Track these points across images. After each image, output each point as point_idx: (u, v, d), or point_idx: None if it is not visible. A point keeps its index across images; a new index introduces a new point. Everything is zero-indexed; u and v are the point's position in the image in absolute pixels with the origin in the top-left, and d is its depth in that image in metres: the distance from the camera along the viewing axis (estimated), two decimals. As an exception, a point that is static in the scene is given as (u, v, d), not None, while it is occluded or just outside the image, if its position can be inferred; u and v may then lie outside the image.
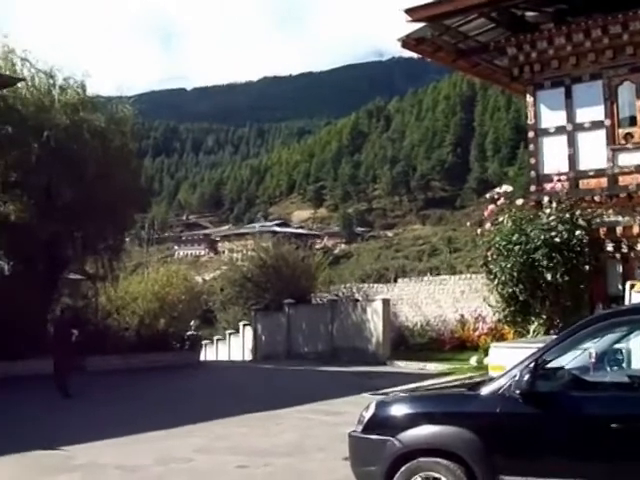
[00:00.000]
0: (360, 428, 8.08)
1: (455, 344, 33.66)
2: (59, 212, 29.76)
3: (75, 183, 29.73)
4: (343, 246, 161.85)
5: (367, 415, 8.07)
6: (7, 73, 29.59)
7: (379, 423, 7.94)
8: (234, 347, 43.39)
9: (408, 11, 22.47)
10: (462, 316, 35.58)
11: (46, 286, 29.74)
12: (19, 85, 29.52)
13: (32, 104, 30.34)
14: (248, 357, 40.82)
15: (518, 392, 7.17)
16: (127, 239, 38.72)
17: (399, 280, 46.12)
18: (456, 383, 10.54)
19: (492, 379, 7.88)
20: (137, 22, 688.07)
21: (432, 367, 28.78)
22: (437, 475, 7.42)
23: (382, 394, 17.57)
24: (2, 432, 14.90)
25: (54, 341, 22.45)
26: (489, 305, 23.33)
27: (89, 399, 20.84)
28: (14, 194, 30.38)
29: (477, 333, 32.52)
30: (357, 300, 37.48)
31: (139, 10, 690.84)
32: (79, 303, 35.18)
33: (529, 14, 23.13)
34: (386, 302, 34.90)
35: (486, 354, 25.75)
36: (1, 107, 29.49)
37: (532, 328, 20.46)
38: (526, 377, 7.12)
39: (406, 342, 36.38)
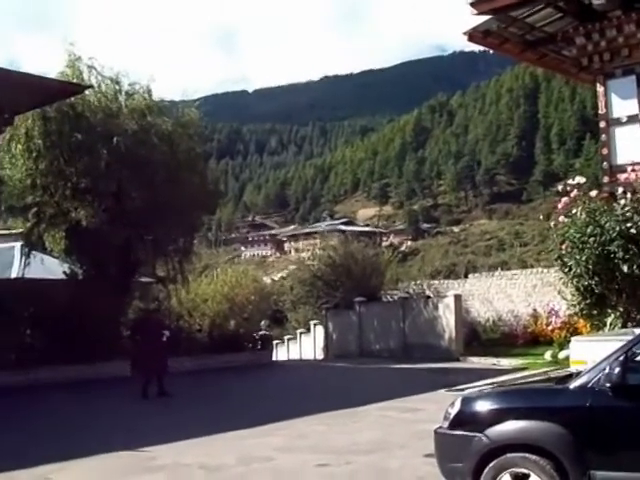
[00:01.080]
0: (446, 424, 8.02)
1: (528, 339, 33.33)
2: (129, 216, 30.10)
3: (144, 187, 30.02)
4: (409, 243, 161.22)
5: (453, 411, 8.00)
6: (74, 81, 29.98)
7: (465, 419, 7.86)
8: (305, 346, 43.45)
9: (473, 4, 22.22)
10: (535, 310, 35.20)
11: (118, 290, 30.03)
12: (86, 92, 29.84)
13: (100, 111, 30.68)
14: (320, 356, 40.85)
15: (608, 385, 7.06)
16: (196, 241, 38.92)
17: (470, 275, 45.86)
18: (537, 378, 10.35)
19: (579, 373, 7.75)
20: (197, 25, 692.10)
21: (506, 362, 28.49)
22: (526, 471, 7.34)
23: (459, 390, 17.49)
24: (84, 434, 15.11)
25: (141, 342, 22.62)
26: (564, 299, 22.96)
27: (167, 400, 21.01)
28: (85, 200, 30.82)
29: (550, 327, 32.12)
30: (428, 297, 37.34)
31: (199, 13, 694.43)
32: (151, 306, 35.50)
33: (596, 2, 22.66)
34: (458, 298, 34.67)
35: (561, 348, 25.50)
36: (70, 115, 29.89)
37: (609, 321, 20.06)
38: (616, 370, 7.00)
39: (478, 338, 36.11)
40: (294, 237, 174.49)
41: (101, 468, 12.15)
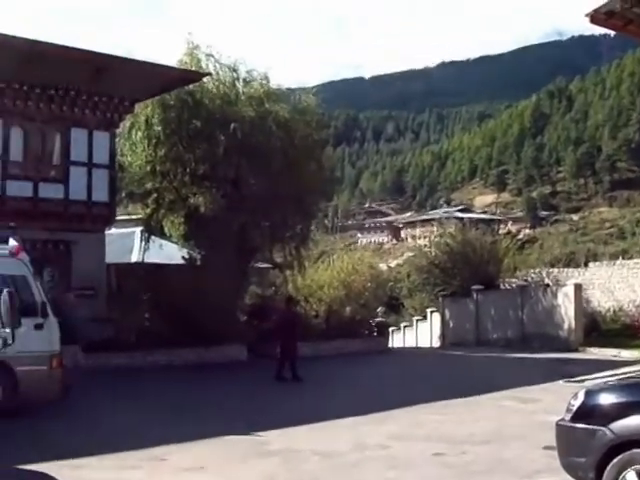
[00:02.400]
0: (568, 417, 7.78)
1: (650, 330, 32.39)
2: (246, 202, 30.35)
3: (261, 174, 30.24)
4: (527, 231, 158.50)
5: (576, 404, 7.74)
6: (193, 69, 30.39)
7: (588, 412, 7.61)
8: (421, 334, 43.20)
9: (596, -15, 21.55)
10: (659, 301, 34.22)
11: (236, 275, 30.27)
12: (205, 80, 30.26)
13: (218, 98, 31.03)
14: (436, 344, 40.56)
15: None
16: (313, 227, 39.06)
17: (590, 264, 44.82)
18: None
19: None
20: (313, 11, 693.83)
21: (627, 354, 27.80)
22: (653, 469, 7.04)
23: (579, 382, 17.07)
24: (200, 416, 15.26)
25: (280, 328, 22.99)
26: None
27: (282, 385, 21.14)
28: (203, 186, 31.23)
29: (675, 318, 31.18)
30: (547, 285, 36.65)
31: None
32: (267, 291, 35.75)
33: None
34: (578, 287, 33.97)
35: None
36: (189, 102, 30.32)
37: None
38: None
39: (598, 328, 35.27)
40: (411, 224, 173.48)
41: (215, 451, 12.23)
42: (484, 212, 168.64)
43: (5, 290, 6.13)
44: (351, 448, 12.29)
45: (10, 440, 12.21)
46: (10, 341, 5.83)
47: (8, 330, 5.96)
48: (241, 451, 12.25)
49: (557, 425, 7.97)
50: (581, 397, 7.75)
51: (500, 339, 35.81)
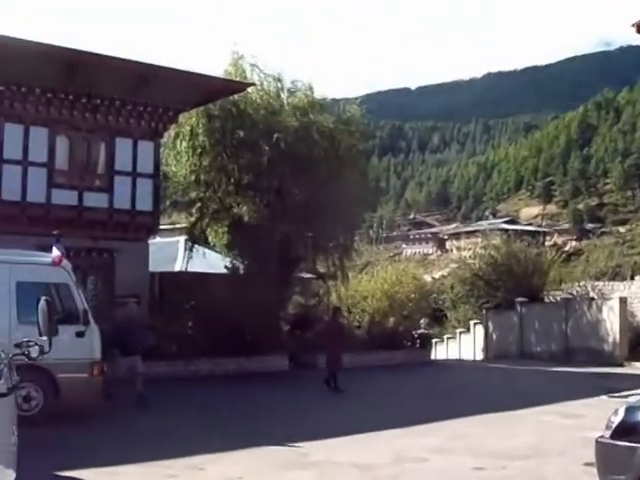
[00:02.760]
0: (608, 434, 7.65)
1: (698, 346, 31.92)
2: (290, 212, 30.37)
3: (305, 184, 30.22)
4: (574, 243, 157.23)
5: (616, 420, 7.62)
6: (237, 79, 30.51)
7: (629, 429, 7.47)
8: (464, 346, 42.94)
9: (644, -6, 21.34)
10: None
11: (279, 285, 30.31)
12: (249, 90, 30.32)
13: (262, 108, 31.09)
14: (479, 356, 40.30)
15: None
16: (356, 238, 38.96)
17: (636, 277, 44.25)
18: None
19: None
20: (357, 24, 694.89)
21: (673, 370, 27.42)
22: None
23: (622, 397, 16.82)
24: (241, 426, 15.27)
25: (327, 338, 23.07)
26: None
27: (323, 396, 21.09)
28: (247, 196, 31.30)
29: None
30: (592, 298, 36.28)
31: (360, 9, 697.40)
32: (311, 301, 35.74)
33: None
34: (623, 300, 33.63)
35: None
36: (233, 112, 30.41)
37: None
38: None
39: (643, 343, 34.79)
40: (456, 235, 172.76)
41: (253, 461, 12.22)
42: (530, 224, 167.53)
43: (42, 299, 6.14)
44: (390, 461, 12.22)
45: (49, 446, 12.27)
46: (47, 349, 5.83)
47: (45, 338, 5.96)
48: (279, 462, 12.22)
49: (597, 442, 7.85)
50: (621, 414, 7.62)
51: (544, 352, 35.51)
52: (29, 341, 5.77)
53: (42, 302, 6.13)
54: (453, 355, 43.10)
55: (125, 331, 18.13)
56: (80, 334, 15.30)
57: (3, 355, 5.14)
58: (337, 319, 24.51)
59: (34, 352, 5.73)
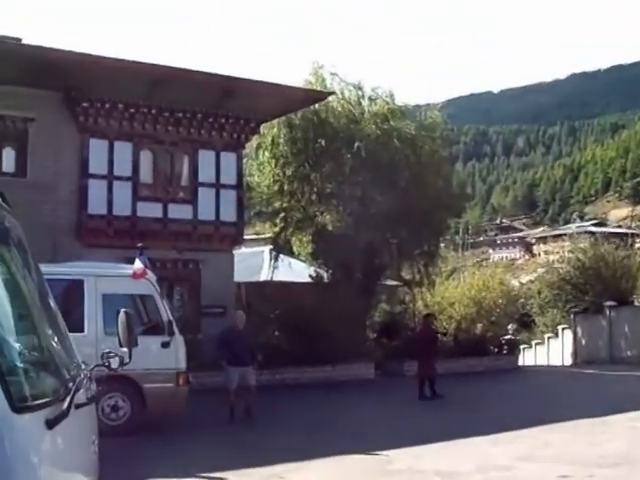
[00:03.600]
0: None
1: None
2: (373, 220, 30.40)
3: (388, 191, 30.24)
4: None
5: None
6: (318, 88, 30.64)
7: None
8: (553, 351, 42.28)
9: None
10: None
11: (364, 292, 30.35)
12: (330, 99, 30.44)
13: (343, 116, 31.21)
14: (568, 362, 39.66)
15: None
16: (442, 244, 38.74)
17: None
18: None
19: None
20: (438, 30, 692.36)
21: None
22: None
23: None
24: (325, 434, 15.28)
25: (420, 345, 22.98)
26: None
27: (409, 404, 20.96)
28: (330, 204, 31.46)
29: None
30: (684, 302, 35.51)
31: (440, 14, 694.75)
32: (396, 309, 35.65)
33: None
34: None
35: None
36: (314, 121, 30.56)
37: None
38: None
39: None
40: (543, 239, 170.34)
41: (336, 470, 12.24)
42: (619, 226, 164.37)
43: (122, 310, 6.23)
44: (475, 469, 12.07)
45: (134, 456, 12.45)
46: (127, 360, 5.91)
47: (125, 349, 6.05)
48: (362, 470, 12.22)
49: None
50: None
51: (634, 357, 34.78)
52: (110, 352, 5.84)
53: (121, 314, 6.21)
54: (541, 361, 42.50)
55: (234, 341, 17.63)
56: (165, 345, 15.52)
57: (84, 366, 5.21)
58: (430, 325, 24.30)
59: (114, 363, 5.80)
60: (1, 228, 4.69)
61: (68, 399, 4.21)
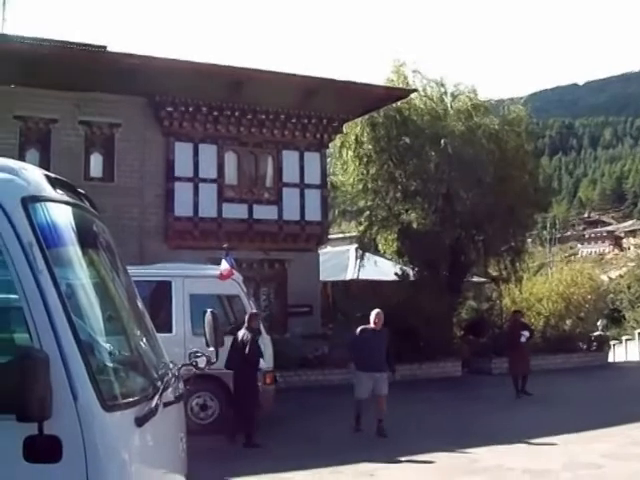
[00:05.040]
0: None
1: None
2: (459, 217, 30.34)
3: (473, 187, 30.07)
4: None
5: None
6: (400, 86, 30.58)
7: None
8: (645, 347, 41.48)
9: None
10: None
11: (450, 290, 30.19)
12: (412, 96, 30.33)
13: (426, 113, 31.07)
14: (660, 358, 38.85)
15: None
16: (529, 240, 38.34)
17: None
18: None
19: None
20: (518, 24, 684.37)
21: None
22: None
23: None
24: (412, 432, 15.26)
25: (509, 342, 22.69)
26: None
27: (496, 401, 20.78)
28: (415, 202, 31.34)
29: None
30: None
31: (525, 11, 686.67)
32: (483, 306, 35.38)
33: None
34: None
35: None
36: (397, 119, 30.49)
37: None
38: None
39: None
40: (632, 232, 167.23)
41: (423, 468, 12.24)
42: None
43: (208, 310, 6.34)
44: (563, 467, 11.97)
45: (223, 452, 12.63)
46: (214, 360, 6.01)
47: (212, 349, 6.15)
48: (450, 468, 12.20)
49: None
50: None
51: None
52: (197, 352, 5.96)
53: (208, 314, 6.32)
54: (633, 357, 41.73)
55: (368, 343, 15.78)
56: (253, 344, 15.67)
57: (172, 365, 5.33)
58: (520, 321, 23.75)
59: (202, 363, 5.91)
60: (90, 233, 4.82)
61: (157, 397, 4.31)
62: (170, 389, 4.81)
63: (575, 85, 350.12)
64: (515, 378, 21.66)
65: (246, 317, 15.27)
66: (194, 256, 21.88)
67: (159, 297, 15.68)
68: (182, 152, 25.56)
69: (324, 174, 28.49)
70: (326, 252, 32.27)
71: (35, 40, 23.63)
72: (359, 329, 16.38)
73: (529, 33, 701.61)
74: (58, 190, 4.33)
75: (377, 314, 16.30)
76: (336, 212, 33.12)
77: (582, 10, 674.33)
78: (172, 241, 24.84)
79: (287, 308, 26.49)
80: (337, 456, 12.82)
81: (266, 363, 15.64)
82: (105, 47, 25.42)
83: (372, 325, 16.20)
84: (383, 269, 32.54)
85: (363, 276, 31.98)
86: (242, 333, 15.03)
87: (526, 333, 22.14)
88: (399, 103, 30.03)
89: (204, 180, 25.76)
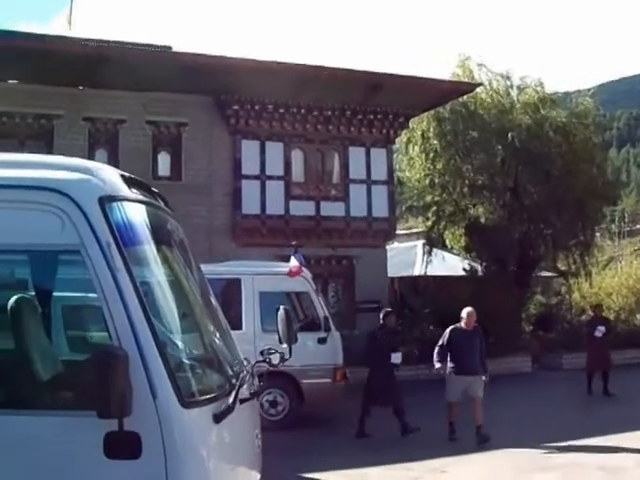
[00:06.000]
0: None
1: None
2: (527, 211, 30.15)
3: (541, 181, 29.87)
4: None
5: None
6: (465, 80, 30.39)
7: None
8: None
9: None
10: None
11: (518, 285, 29.93)
12: (478, 90, 30.10)
13: (492, 107, 30.82)
14: None
15: None
16: (597, 234, 37.85)
17: None
18: None
19: None
20: (584, 14, 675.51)
21: None
22: None
23: None
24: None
25: (588, 337, 22.29)
26: None
27: (567, 398, 20.53)
28: (482, 197, 31.16)
29: None
30: None
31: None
32: (552, 300, 35.03)
33: None
34: None
35: None
36: (463, 114, 30.29)
37: None
38: None
39: None
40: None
41: (495, 464, 12.21)
42: None
43: (281, 307, 6.38)
44: (636, 464, 11.79)
45: (294, 448, 12.69)
46: (287, 356, 6.05)
47: (285, 346, 6.19)
48: (521, 464, 12.11)
49: None
50: None
51: None
52: (270, 349, 5.99)
53: (281, 311, 6.36)
54: None
55: (460, 343, 14.83)
56: (322, 340, 15.75)
57: (246, 362, 5.37)
58: (600, 315, 23.23)
59: (275, 359, 5.95)
60: (165, 231, 4.87)
61: (233, 394, 4.35)
62: (245, 386, 4.85)
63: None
64: (590, 375, 21.21)
65: (381, 314, 15.83)
66: (262, 253, 22.00)
67: (229, 295, 15.80)
68: (249, 150, 25.68)
69: (391, 170, 28.42)
70: (393, 248, 32.21)
71: (101, 42, 23.96)
72: (449, 329, 15.34)
73: (594, 23, 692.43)
74: (133, 189, 4.39)
75: (468, 314, 15.15)
76: (403, 208, 33.05)
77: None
78: (240, 239, 24.97)
79: (355, 304, 26.47)
80: (409, 452, 12.81)
81: (336, 360, 15.72)
82: (170, 47, 25.69)
83: (463, 325, 15.14)
84: (450, 264, 32.42)
85: (430, 272, 31.86)
86: (379, 330, 15.61)
87: (602, 328, 21.40)
88: (465, 97, 29.82)
89: (271, 178, 25.87)
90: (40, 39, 23.42)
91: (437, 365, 14.93)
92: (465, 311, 15.25)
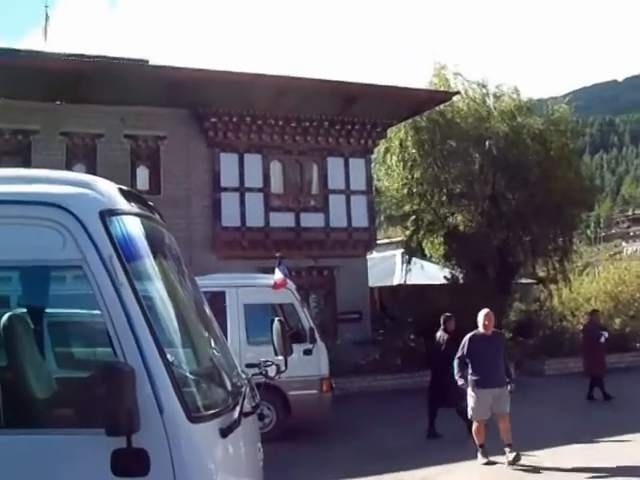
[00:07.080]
0: None
1: None
2: (506, 218, 30.24)
3: (519, 188, 30.01)
4: None
5: None
6: (442, 89, 30.50)
7: None
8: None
9: None
10: None
11: (499, 292, 29.96)
12: (455, 99, 30.21)
13: (469, 115, 30.92)
14: None
15: None
16: (575, 239, 37.98)
17: None
18: None
19: None
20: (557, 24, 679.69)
21: None
22: None
23: None
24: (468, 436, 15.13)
25: (585, 343, 22.32)
26: None
27: (551, 404, 20.55)
28: (461, 205, 31.23)
29: None
30: None
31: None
32: (532, 307, 35.11)
33: None
34: None
35: None
36: (440, 122, 30.36)
37: None
38: None
39: None
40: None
41: (484, 471, 12.25)
42: None
43: (276, 319, 6.36)
44: (628, 468, 11.81)
45: (285, 461, 12.62)
46: (283, 368, 6.03)
47: (281, 357, 6.16)
48: (511, 471, 12.16)
49: None
50: None
51: None
52: (266, 361, 5.96)
53: (276, 323, 6.34)
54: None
55: (482, 352, 13.43)
56: (308, 352, 15.70)
57: (244, 375, 5.33)
58: (595, 322, 23.25)
59: (271, 371, 5.92)
60: (163, 244, 4.83)
61: (238, 408, 4.31)
62: (247, 399, 4.81)
63: (615, 81, 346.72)
64: (593, 379, 21.18)
65: (442, 319, 16.51)
66: (243, 266, 22.00)
67: (213, 307, 15.52)
68: (227, 162, 25.65)
69: (369, 180, 28.49)
70: (372, 257, 32.19)
71: (78, 56, 23.88)
72: (467, 337, 13.80)
73: (567, 31, 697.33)
74: (131, 203, 4.34)
75: (486, 315, 13.73)
76: (382, 217, 33.09)
77: (619, 6, 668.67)
78: (220, 251, 24.91)
79: (337, 315, 26.49)
80: (398, 462, 12.76)
81: (322, 371, 15.70)
82: (147, 61, 25.63)
83: (482, 330, 13.65)
84: (430, 273, 32.46)
85: (410, 281, 31.84)
86: (439, 334, 16.17)
87: (605, 333, 21.68)
88: (442, 106, 29.89)
89: (250, 190, 25.84)
90: (15, 54, 23.32)
91: (460, 382, 13.32)
92: (482, 314, 13.82)
